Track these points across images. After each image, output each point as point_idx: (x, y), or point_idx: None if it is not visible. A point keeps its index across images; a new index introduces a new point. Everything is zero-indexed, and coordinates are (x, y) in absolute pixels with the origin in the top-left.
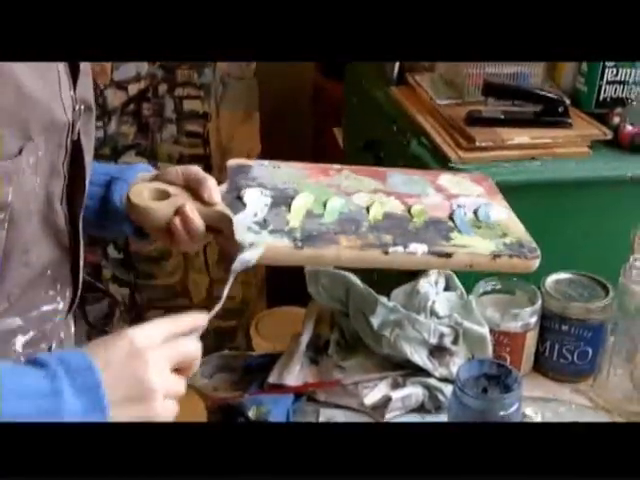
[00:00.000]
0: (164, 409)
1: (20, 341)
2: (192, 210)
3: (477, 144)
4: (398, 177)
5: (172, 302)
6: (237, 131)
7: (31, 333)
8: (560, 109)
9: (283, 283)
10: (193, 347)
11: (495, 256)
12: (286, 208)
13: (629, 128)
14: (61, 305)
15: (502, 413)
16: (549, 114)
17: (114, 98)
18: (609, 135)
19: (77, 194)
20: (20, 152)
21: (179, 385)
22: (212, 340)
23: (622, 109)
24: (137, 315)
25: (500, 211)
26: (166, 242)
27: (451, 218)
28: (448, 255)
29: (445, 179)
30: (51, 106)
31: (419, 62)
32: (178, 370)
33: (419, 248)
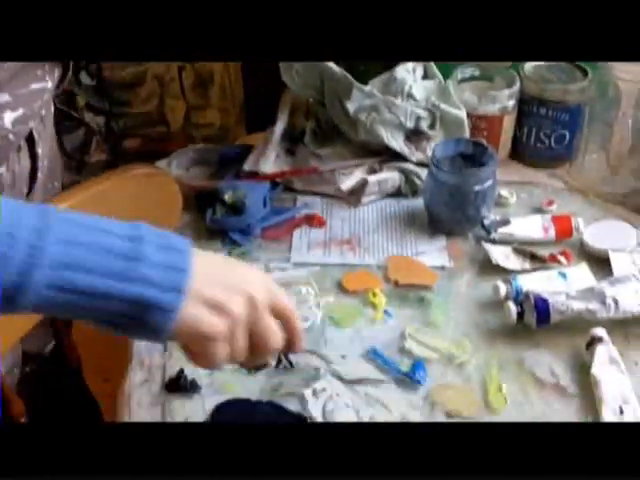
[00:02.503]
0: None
1: (9, 117)
2: None
3: None
4: None
5: (149, 129)
6: None
7: (20, 110)
8: None
9: (262, 108)
10: (277, 329)
11: None
12: None
13: None
14: (49, 84)
15: (477, 188)
16: None
17: None
18: None
19: None
20: None
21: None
22: None
23: None
24: (114, 144)
25: None
26: None
27: None
28: None
29: None
30: None
31: None
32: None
33: None
